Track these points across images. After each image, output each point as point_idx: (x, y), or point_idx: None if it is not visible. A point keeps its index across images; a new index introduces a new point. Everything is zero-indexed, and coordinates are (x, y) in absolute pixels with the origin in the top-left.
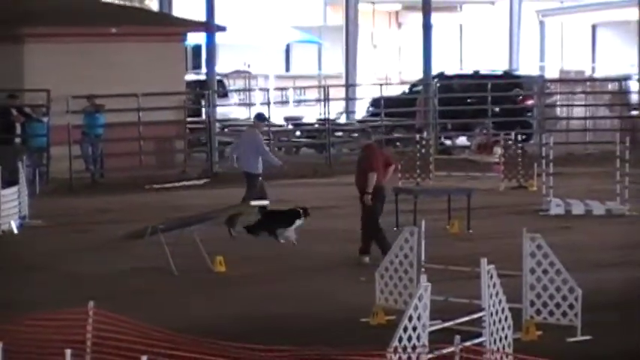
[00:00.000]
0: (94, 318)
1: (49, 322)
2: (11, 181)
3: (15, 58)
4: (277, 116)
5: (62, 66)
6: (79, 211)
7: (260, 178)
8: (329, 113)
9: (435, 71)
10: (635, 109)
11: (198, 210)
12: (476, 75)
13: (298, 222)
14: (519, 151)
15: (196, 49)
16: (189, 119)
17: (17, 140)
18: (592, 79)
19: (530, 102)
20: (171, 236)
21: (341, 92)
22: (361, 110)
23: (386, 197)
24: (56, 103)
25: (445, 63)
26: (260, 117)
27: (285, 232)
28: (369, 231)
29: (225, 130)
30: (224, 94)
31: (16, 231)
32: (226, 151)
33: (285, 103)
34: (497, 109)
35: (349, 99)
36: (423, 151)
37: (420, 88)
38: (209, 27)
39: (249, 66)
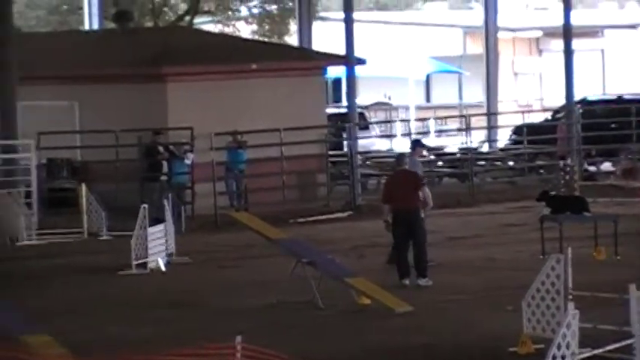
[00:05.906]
0: (242, 352)
1: (196, 358)
2: (158, 219)
3: (158, 96)
4: None
5: (204, 103)
6: (224, 247)
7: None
8: (471, 142)
9: (577, 97)
10: None
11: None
12: (619, 100)
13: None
14: None
15: (336, 82)
16: (330, 152)
17: (163, 178)
18: None
19: None
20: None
21: (482, 121)
22: (504, 138)
23: (406, 220)
24: (199, 140)
25: (587, 88)
26: (418, 143)
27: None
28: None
29: (368, 162)
30: (365, 127)
31: (163, 268)
32: (369, 183)
33: (426, 133)
34: None
35: (491, 127)
36: (567, 177)
37: (562, 114)
38: (349, 60)
39: (389, 98)
